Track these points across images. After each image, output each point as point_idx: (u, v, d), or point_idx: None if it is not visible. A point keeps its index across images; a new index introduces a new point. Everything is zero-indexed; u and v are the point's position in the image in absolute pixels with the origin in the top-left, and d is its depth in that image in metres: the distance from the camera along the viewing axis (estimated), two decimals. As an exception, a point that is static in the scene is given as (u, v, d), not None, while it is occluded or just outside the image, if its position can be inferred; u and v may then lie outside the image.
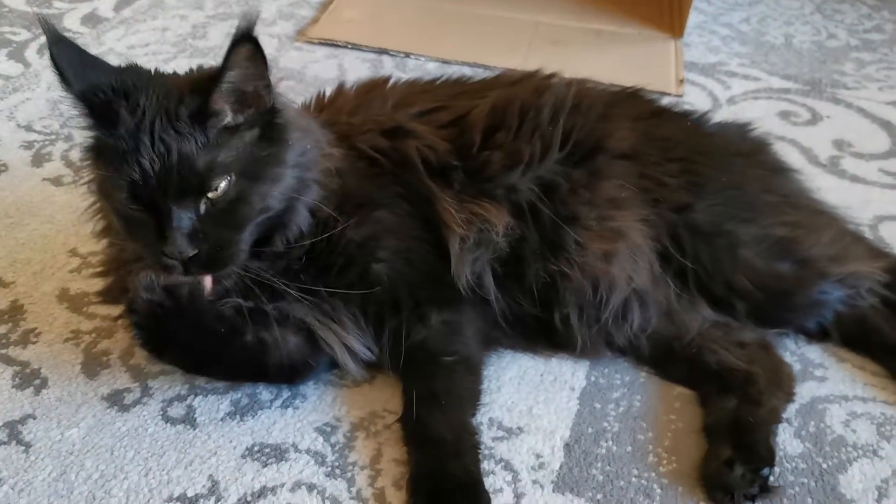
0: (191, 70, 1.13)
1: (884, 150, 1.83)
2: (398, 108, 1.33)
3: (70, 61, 1.03)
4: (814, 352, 1.30)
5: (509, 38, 2.22)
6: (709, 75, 2.12)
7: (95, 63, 1.08)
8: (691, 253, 1.25)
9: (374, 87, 1.40)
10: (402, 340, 1.17)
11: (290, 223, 1.11)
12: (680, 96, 1.98)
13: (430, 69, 2.06)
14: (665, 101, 1.51)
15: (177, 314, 1.07)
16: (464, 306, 1.22)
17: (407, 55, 2.11)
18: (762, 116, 1.90)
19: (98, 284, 1.24)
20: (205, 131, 1.02)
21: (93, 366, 1.22)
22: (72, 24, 2.17)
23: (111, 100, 1.02)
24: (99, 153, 1.06)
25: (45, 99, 1.84)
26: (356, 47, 2.13)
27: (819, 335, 1.31)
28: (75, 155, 1.66)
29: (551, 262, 1.22)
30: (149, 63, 1.95)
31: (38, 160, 1.65)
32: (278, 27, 2.21)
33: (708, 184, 1.29)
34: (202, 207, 1.02)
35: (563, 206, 1.23)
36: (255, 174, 1.05)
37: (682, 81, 2.05)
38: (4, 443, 1.10)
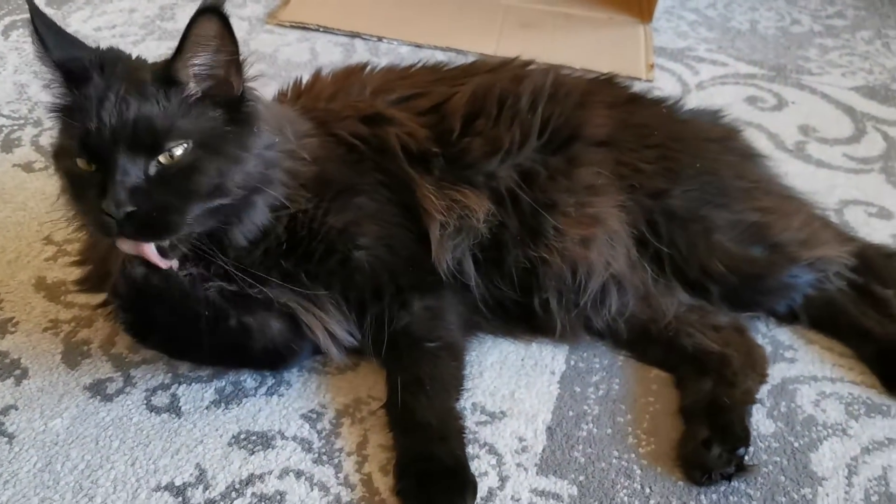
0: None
1: (847, 136, 1.88)
2: (377, 94, 1.34)
3: (50, 31, 1.04)
4: (784, 334, 1.34)
5: (481, 22, 2.22)
6: (678, 60, 2.14)
7: (77, 41, 1.10)
8: (667, 238, 1.27)
9: (352, 74, 1.40)
10: (384, 327, 1.19)
11: (248, 218, 1.10)
12: (650, 81, 2.00)
13: (402, 53, 2.06)
14: (636, 86, 1.54)
15: (161, 298, 1.06)
16: (445, 292, 1.24)
17: (379, 39, 2.10)
18: (730, 102, 1.93)
19: (75, 273, 1.23)
20: (167, 96, 1.02)
21: (73, 355, 1.21)
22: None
23: (87, 68, 1.03)
24: (64, 114, 1.05)
25: (11, 82, 1.81)
26: (328, 31, 2.11)
27: (788, 318, 1.35)
28: (45, 140, 1.63)
29: (531, 247, 1.23)
30: (115, 45, 1.94)
31: (8, 146, 1.62)
32: (248, 9, 2.19)
33: (683, 170, 1.32)
34: (152, 169, 1.01)
35: (541, 192, 1.25)
36: (214, 147, 1.04)
37: (652, 66, 2.07)
38: (-14, 434, 1.10)
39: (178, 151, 1.02)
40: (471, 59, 2.02)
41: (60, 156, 1.08)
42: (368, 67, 1.42)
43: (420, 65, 1.45)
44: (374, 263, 1.19)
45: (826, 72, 2.15)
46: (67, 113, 1.04)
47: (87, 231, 1.18)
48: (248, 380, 1.20)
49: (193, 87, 1.04)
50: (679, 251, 1.28)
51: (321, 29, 2.12)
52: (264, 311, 1.15)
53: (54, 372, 1.18)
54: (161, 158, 1.01)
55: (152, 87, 1.02)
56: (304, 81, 1.40)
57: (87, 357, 1.21)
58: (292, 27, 2.12)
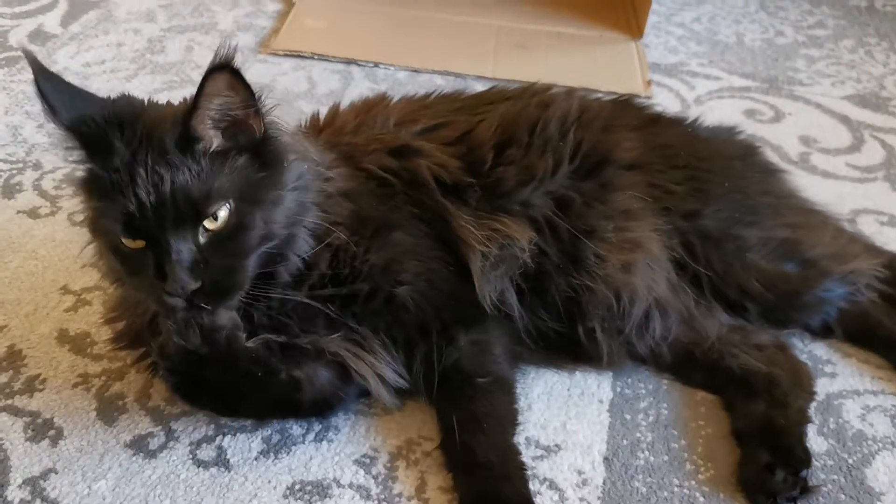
0: (184, 99, 1.09)
1: (847, 145, 1.91)
2: (401, 125, 1.31)
3: (56, 92, 1.00)
4: (820, 349, 1.34)
5: (474, 44, 2.21)
6: (672, 76, 2.16)
7: (84, 95, 1.05)
8: (703, 259, 1.27)
9: (373, 106, 1.38)
10: (433, 365, 1.16)
11: (292, 251, 1.08)
12: (649, 98, 2.01)
13: (400, 78, 2.04)
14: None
15: (213, 360, 1.03)
16: (490, 325, 1.21)
17: (376, 65, 2.08)
18: (729, 116, 1.95)
19: (108, 331, 1.19)
20: (194, 159, 0.99)
21: (109, 411, 1.16)
22: (18, 42, 2.05)
23: (104, 130, 0.99)
24: (92, 187, 1.02)
25: (3, 124, 1.74)
26: (323, 58, 2.08)
27: (823, 332, 1.35)
28: (48, 184, 1.57)
29: (573, 275, 1.22)
30: (109, 81, 1.91)
31: (9, 191, 1.55)
32: (238, 39, 2.15)
33: (712, 189, 1.32)
34: (201, 238, 0.99)
35: (579, 219, 1.23)
36: (254, 198, 1.02)
37: (649, 83, 2.08)
38: (28, 502, 1.04)
39: (223, 213, 0.99)
40: (469, 81, 2.04)
41: (99, 232, 1.04)
42: (388, 98, 1.40)
43: (437, 93, 1.43)
44: (418, 300, 1.16)
45: (816, 82, 2.18)
46: (96, 189, 1.00)
47: (118, 286, 1.14)
48: (295, 427, 1.16)
49: (216, 141, 1.01)
50: (716, 272, 1.27)
51: (315, 56, 2.08)
52: (312, 361, 1.12)
53: (91, 430, 1.13)
54: (207, 224, 0.99)
55: (178, 152, 0.98)
56: (323, 116, 1.37)
57: (124, 412, 1.16)
58: (286, 56, 2.09)
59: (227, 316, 1.04)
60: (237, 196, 1.00)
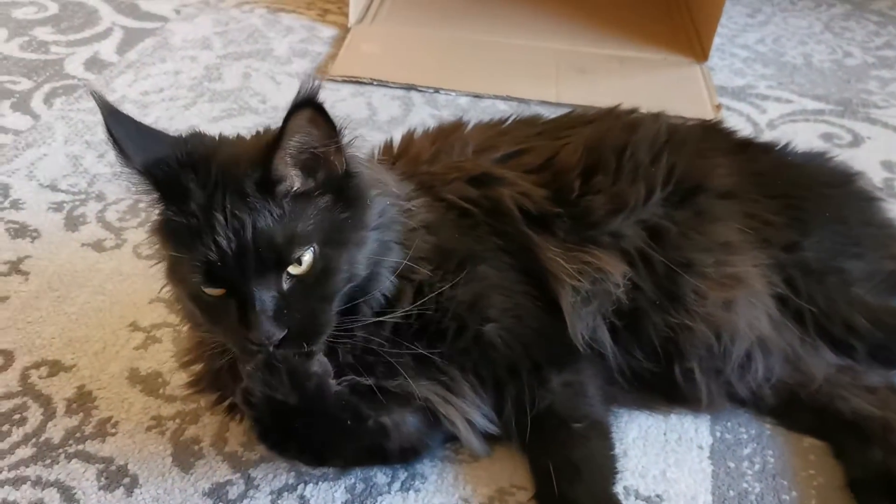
0: (258, 132, 1.05)
1: (932, 170, 1.82)
2: (480, 152, 1.26)
3: (127, 134, 0.95)
4: (931, 390, 1.25)
5: (535, 68, 2.15)
6: (741, 99, 2.08)
7: (155, 134, 1.00)
8: (806, 294, 1.19)
9: (451, 132, 1.32)
10: (525, 408, 1.09)
11: (374, 289, 1.02)
12: (720, 122, 1.94)
13: (461, 104, 1.99)
14: None
15: (302, 408, 0.97)
16: (582, 364, 1.14)
17: (436, 90, 2.03)
18: (806, 140, 1.87)
19: (184, 375, 1.14)
20: (276, 201, 0.93)
21: (185, 457, 1.10)
22: (75, 70, 2.03)
23: (178, 173, 0.94)
24: (167, 232, 0.96)
25: (63, 154, 1.70)
26: (382, 84, 2.03)
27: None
28: (112, 216, 1.53)
29: (670, 313, 1.15)
30: (168, 109, 1.87)
31: (72, 223, 1.51)
32: (295, 66, 2.11)
33: (811, 219, 1.24)
34: (285, 284, 0.93)
35: (675, 251, 1.16)
36: (338, 241, 0.96)
37: (718, 107, 2.01)
38: (105, 556, 0.98)
39: (307, 257, 0.94)
40: (533, 106, 1.98)
41: (177, 279, 0.99)
42: (464, 124, 1.34)
43: (514, 119, 1.37)
44: (506, 337, 1.10)
45: (891, 104, 2.10)
46: (173, 235, 0.95)
47: (200, 331, 1.08)
48: (379, 475, 1.09)
49: (297, 181, 0.95)
50: (819, 307, 1.19)
51: (374, 82, 2.04)
52: (399, 406, 1.05)
53: (167, 478, 1.07)
54: (291, 269, 0.93)
55: (258, 195, 0.93)
56: (396, 143, 1.32)
57: (200, 458, 1.10)
58: (344, 81, 2.04)
59: (316, 362, 0.98)
60: (321, 239, 0.95)
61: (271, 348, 0.93)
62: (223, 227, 0.91)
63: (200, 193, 0.93)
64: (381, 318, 1.04)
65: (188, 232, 0.92)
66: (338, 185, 0.98)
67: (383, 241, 1.02)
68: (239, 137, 1.04)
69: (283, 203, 0.93)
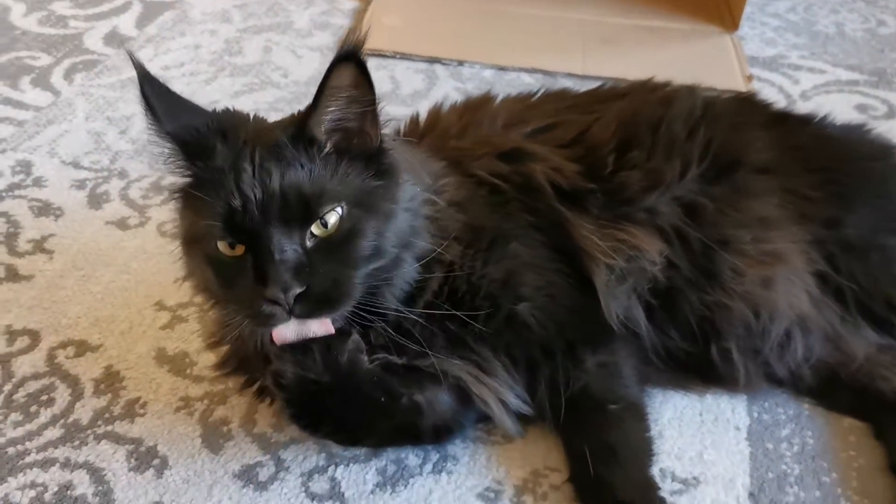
0: (292, 115, 1.02)
1: (972, 142, 1.76)
2: (509, 127, 1.22)
3: (160, 100, 0.93)
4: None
5: (560, 40, 2.11)
6: (773, 69, 2.03)
7: (188, 105, 0.98)
8: (846, 271, 1.16)
9: (479, 107, 1.28)
10: (559, 389, 1.07)
11: (398, 276, 1.00)
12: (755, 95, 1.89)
13: (486, 77, 1.95)
14: None
15: (335, 387, 0.95)
16: (617, 344, 1.12)
17: (460, 63, 1.99)
18: (840, 111, 1.81)
19: (211, 356, 1.12)
20: (308, 156, 0.91)
21: (214, 438, 1.09)
22: (94, 45, 2.00)
23: (207, 136, 0.92)
24: (189, 191, 0.94)
25: (85, 131, 1.69)
26: (406, 57, 2.00)
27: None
28: (135, 193, 1.51)
29: (707, 291, 1.12)
30: (189, 84, 1.84)
31: (95, 201, 1.50)
32: (317, 39, 2.07)
33: (852, 194, 1.20)
34: (308, 241, 0.91)
35: (712, 228, 1.13)
36: (368, 206, 0.94)
37: (750, 77, 1.96)
38: (136, 539, 0.97)
39: (333, 218, 0.91)
40: (559, 79, 1.94)
41: (194, 242, 0.96)
42: (493, 98, 1.31)
43: (543, 92, 1.33)
44: (539, 317, 1.07)
45: (927, 74, 2.04)
46: (194, 189, 0.93)
47: (220, 309, 1.06)
48: (411, 456, 1.08)
49: (330, 144, 0.93)
50: (860, 285, 1.16)
51: (398, 56, 2.00)
52: (433, 385, 1.03)
53: (197, 459, 1.06)
54: (315, 230, 0.90)
55: (291, 150, 0.91)
56: (422, 119, 1.28)
57: (230, 439, 1.09)
58: (367, 55, 1.99)
59: (349, 340, 0.96)
60: (350, 200, 0.92)
61: (287, 307, 0.89)
62: (249, 175, 0.89)
63: (228, 152, 0.91)
64: (412, 304, 1.02)
65: (212, 183, 0.90)
66: (369, 158, 0.95)
67: (412, 225, 0.99)
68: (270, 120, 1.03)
69: (316, 159, 0.92)
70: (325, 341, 0.94)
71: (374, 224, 0.94)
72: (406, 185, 0.99)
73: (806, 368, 1.16)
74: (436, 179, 1.08)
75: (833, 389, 1.16)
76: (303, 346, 0.94)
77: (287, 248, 0.89)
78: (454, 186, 1.10)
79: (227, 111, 1.01)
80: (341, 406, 0.96)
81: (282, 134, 0.92)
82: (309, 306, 0.90)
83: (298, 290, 0.88)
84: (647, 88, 1.31)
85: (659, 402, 1.17)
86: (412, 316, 1.02)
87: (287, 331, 0.93)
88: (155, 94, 0.93)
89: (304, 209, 0.90)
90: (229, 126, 0.95)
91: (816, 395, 1.18)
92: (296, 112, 1.03)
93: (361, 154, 0.95)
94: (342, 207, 0.91)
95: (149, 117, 0.92)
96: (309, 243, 0.91)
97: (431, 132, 1.25)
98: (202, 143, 0.92)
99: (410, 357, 1.02)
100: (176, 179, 0.95)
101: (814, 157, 1.23)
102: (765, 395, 1.18)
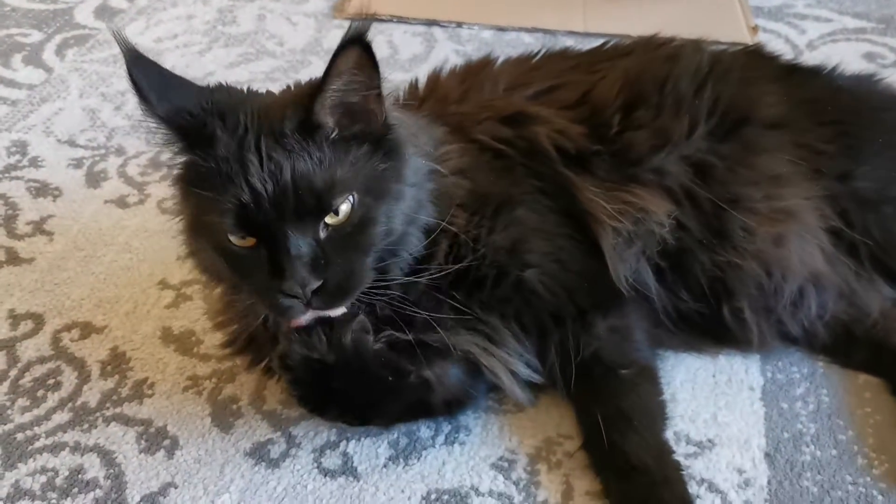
0: (288, 87, 1.00)
1: (983, 87, 1.72)
2: (511, 90, 1.20)
3: (151, 81, 0.89)
4: None
5: (560, -3, 2.06)
6: (778, 19, 1.99)
7: (180, 83, 0.94)
8: (860, 226, 1.14)
9: (479, 70, 1.26)
10: (570, 356, 1.05)
11: (404, 249, 0.98)
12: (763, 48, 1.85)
13: (485, 38, 1.91)
14: None
15: (341, 367, 0.94)
16: (628, 308, 1.10)
17: (459, 25, 1.95)
18: (848, 61, 1.76)
19: (218, 336, 1.11)
20: (316, 144, 0.88)
21: (224, 416, 1.08)
22: (85, 20, 1.97)
23: (204, 120, 0.89)
24: (191, 181, 0.91)
25: (79, 108, 1.66)
26: (402, 20, 1.96)
27: None
28: (133, 170, 1.49)
29: (717, 251, 1.10)
30: (183, 57, 1.81)
31: (94, 180, 1.47)
32: (311, 5, 2.03)
33: (864, 146, 1.18)
34: (322, 232, 0.89)
35: (721, 187, 1.11)
36: (377, 191, 0.92)
37: (755, 28, 1.92)
38: (149, 520, 0.97)
39: (344, 206, 0.89)
40: (560, 38, 1.90)
41: (200, 230, 0.94)
42: (493, 60, 1.27)
43: (545, 52, 1.30)
44: (548, 283, 1.05)
45: (937, 19, 1.99)
46: (197, 182, 0.90)
47: (227, 289, 1.05)
48: (423, 429, 1.07)
49: (337, 129, 0.90)
50: (874, 239, 1.14)
51: (394, 19, 1.96)
52: (441, 359, 1.02)
53: (207, 438, 1.05)
54: (327, 219, 0.88)
55: (298, 138, 0.88)
56: (421, 84, 1.25)
57: (240, 417, 1.08)
58: (363, 19, 1.96)
59: (353, 318, 0.94)
60: (361, 188, 0.90)
61: (305, 300, 0.88)
62: (258, 168, 0.86)
63: (229, 139, 0.88)
64: (418, 275, 1.00)
65: (217, 176, 0.88)
66: (376, 137, 0.93)
67: (418, 199, 0.98)
68: (268, 92, 1.00)
69: (324, 147, 0.89)
70: (329, 322, 0.93)
71: (385, 209, 0.93)
72: (412, 160, 0.97)
73: (820, 326, 1.14)
74: (438, 146, 1.06)
75: (848, 346, 1.15)
76: (308, 327, 0.92)
77: (302, 242, 0.87)
78: (457, 153, 1.08)
79: (220, 87, 0.98)
80: (348, 387, 0.96)
81: (287, 120, 0.89)
82: (326, 298, 0.89)
83: (316, 285, 0.88)
84: (651, 45, 1.27)
85: (671, 365, 1.15)
86: (416, 292, 1.00)
87: (303, 316, 0.92)
88: (145, 76, 0.89)
89: (316, 202, 0.88)
90: (227, 107, 0.91)
91: (831, 352, 1.16)
92: (291, 84, 1.00)
93: (368, 136, 0.92)
94: (353, 196, 0.89)
95: (139, 100, 0.89)
96: (322, 234, 0.89)
97: (431, 98, 1.22)
98: (199, 129, 0.89)
99: (417, 331, 1.00)
100: (174, 163, 0.93)
101: (825, 109, 1.20)
102: (778, 354, 1.16)
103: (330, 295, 0.90)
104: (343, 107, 0.90)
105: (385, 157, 0.93)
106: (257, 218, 0.87)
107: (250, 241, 0.90)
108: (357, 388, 0.96)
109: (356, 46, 0.85)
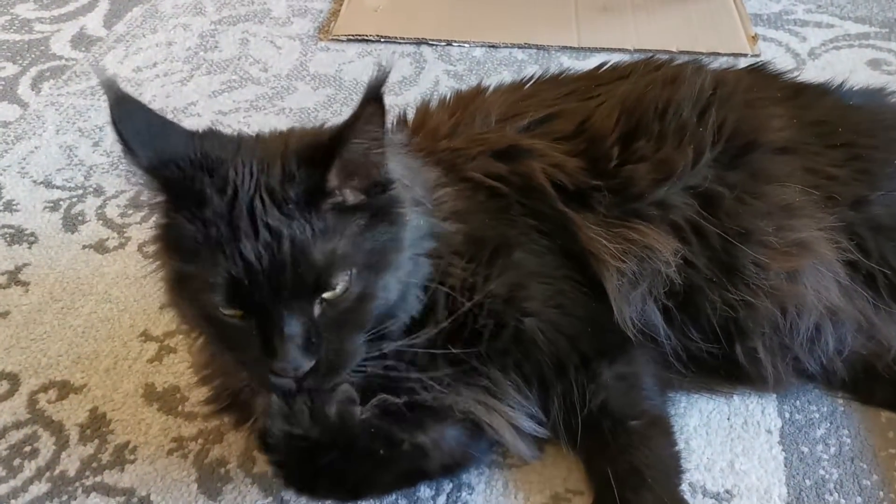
0: (280, 132, 0.93)
1: None
2: (504, 121, 1.13)
3: (136, 125, 0.82)
4: None
5: (553, 10, 2.00)
6: (778, 27, 1.93)
7: (166, 127, 0.87)
8: (876, 254, 1.07)
9: (470, 100, 1.19)
10: (575, 408, 0.99)
11: (402, 311, 0.92)
12: (757, 56, 1.79)
13: (477, 56, 1.85)
14: (742, 62, 1.31)
15: (326, 444, 0.87)
16: (635, 353, 1.04)
17: (448, 43, 1.89)
18: (853, 68, 1.73)
19: (202, 392, 1.05)
20: (320, 213, 0.81)
21: (211, 482, 1.02)
22: (61, 50, 1.90)
23: (192, 175, 0.82)
24: (174, 241, 0.84)
25: (56, 145, 1.59)
26: (390, 40, 1.89)
27: None
28: (112, 211, 1.43)
29: (729, 289, 1.03)
30: (163, 86, 1.75)
31: (71, 223, 1.41)
32: (296, 27, 1.97)
33: (879, 169, 1.12)
34: (316, 310, 0.82)
35: (730, 219, 1.04)
36: (377, 265, 0.85)
37: (754, 38, 1.86)
38: None
39: (342, 284, 0.82)
40: (553, 54, 1.84)
41: (187, 297, 0.86)
42: (484, 89, 1.21)
43: (537, 77, 1.24)
44: (548, 331, 0.99)
45: (940, 23, 1.93)
46: (181, 245, 0.82)
47: (203, 339, 0.99)
48: (423, 488, 1.01)
49: (348, 192, 0.84)
50: (893, 268, 1.08)
51: (382, 39, 1.90)
52: (437, 422, 0.96)
53: (194, 507, 0.99)
54: (326, 294, 0.82)
55: (302, 205, 0.81)
56: (411, 117, 1.19)
57: (228, 482, 1.02)
58: (350, 41, 1.90)
59: (337, 390, 0.88)
60: (360, 262, 0.84)
61: (296, 380, 0.82)
62: (251, 238, 0.80)
63: (218, 198, 0.81)
64: (415, 335, 0.93)
65: (204, 242, 0.81)
66: (376, 195, 0.86)
67: (415, 259, 0.91)
68: (258, 137, 0.92)
69: (327, 216, 0.82)
70: (310, 393, 0.86)
71: (382, 281, 0.86)
72: (411, 221, 0.90)
73: (838, 362, 1.08)
74: (432, 191, 0.99)
75: (868, 382, 1.09)
76: (290, 402, 0.86)
77: (295, 322, 0.81)
78: (451, 197, 1.01)
79: (210, 133, 0.90)
80: (336, 463, 0.89)
81: (294, 183, 0.81)
82: (319, 378, 0.84)
83: (309, 367, 0.82)
84: (650, 67, 1.21)
85: (683, 408, 1.10)
86: (411, 353, 0.94)
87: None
88: (129, 120, 0.82)
89: (315, 279, 0.81)
90: (216, 160, 0.84)
91: (851, 389, 1.11)
92: (282, 130, 0.94)
93: (369, 194, 0.86)
94: (352, 271, 0.83)
95: (123, 150, 0.82)
96: (317, 311, 0.83)
97: (420, 132, 1.16)
98: (188, 185, 0.82)
99: (411, 394, 0.94)
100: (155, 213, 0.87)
101: (835, 131, 1.14)
102: (795, 392, 1.11)
103: (323, 375, 0.85)
104: (355, 170, 0.83)
105: (386, 226, 0.87)
106: (250, 295, 0.80)
107: (239, 313, 0.83)
108: (346, 464, 0.90)
109: (378, 105, 0.79)
